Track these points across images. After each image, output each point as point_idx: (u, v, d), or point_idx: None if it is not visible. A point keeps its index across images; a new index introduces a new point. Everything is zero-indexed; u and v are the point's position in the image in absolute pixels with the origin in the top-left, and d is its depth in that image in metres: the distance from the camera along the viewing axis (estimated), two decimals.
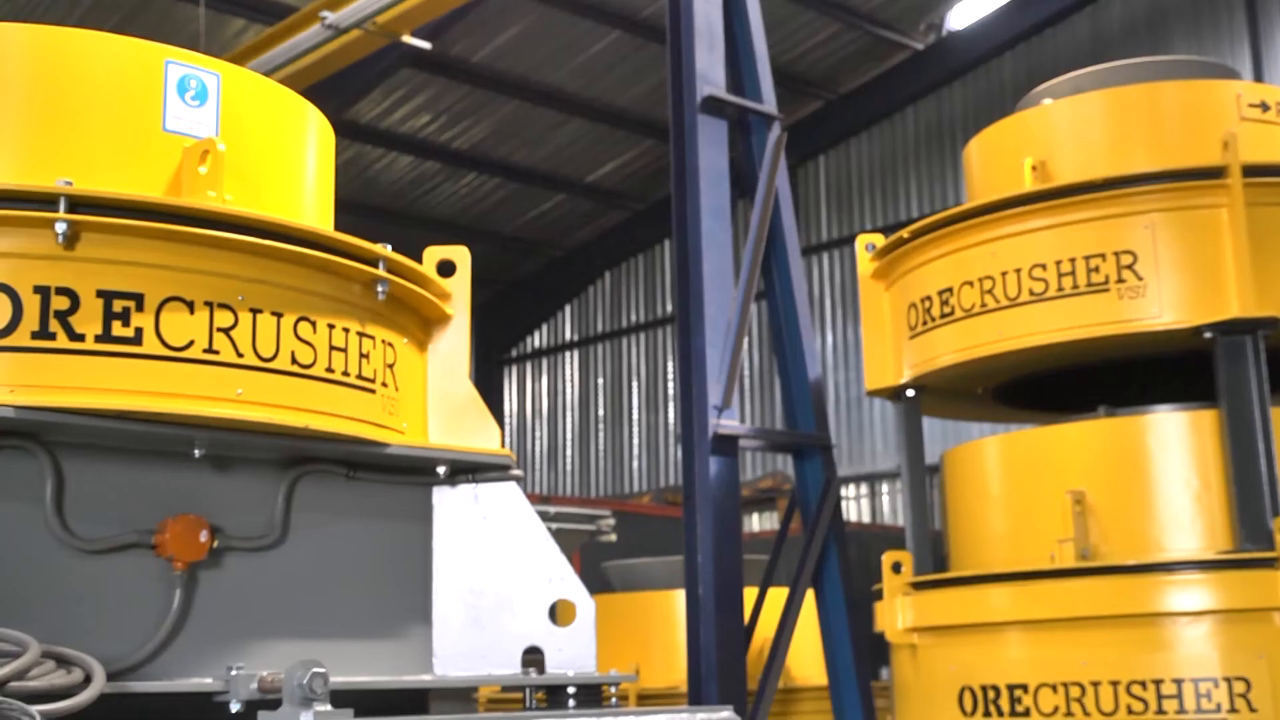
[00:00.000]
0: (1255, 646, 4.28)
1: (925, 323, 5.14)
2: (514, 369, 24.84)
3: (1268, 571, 4.27)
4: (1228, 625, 4.33)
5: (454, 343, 3.43)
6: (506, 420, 24.19)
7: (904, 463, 5.42)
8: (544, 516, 3.36)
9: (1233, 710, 4.23)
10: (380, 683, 3.00)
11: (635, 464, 22.67)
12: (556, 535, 3.44)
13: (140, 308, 2.75)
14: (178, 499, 2.88)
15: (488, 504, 3.28)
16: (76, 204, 2.71)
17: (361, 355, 3.09)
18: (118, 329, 2.73)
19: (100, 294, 2.73)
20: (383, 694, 2.97)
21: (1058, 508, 4.64)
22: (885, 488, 19.81)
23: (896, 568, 5.02)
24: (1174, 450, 4.64)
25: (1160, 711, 4.30)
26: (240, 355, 2.85)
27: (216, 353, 2.82)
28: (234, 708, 2.66)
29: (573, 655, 3.25)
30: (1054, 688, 4.48)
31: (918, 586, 4.99)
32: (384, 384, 3.16)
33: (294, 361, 2.94)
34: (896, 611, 5.02)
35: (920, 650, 4.97)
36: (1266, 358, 4.54)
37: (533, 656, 3.23)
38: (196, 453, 2.82)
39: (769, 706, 5.80)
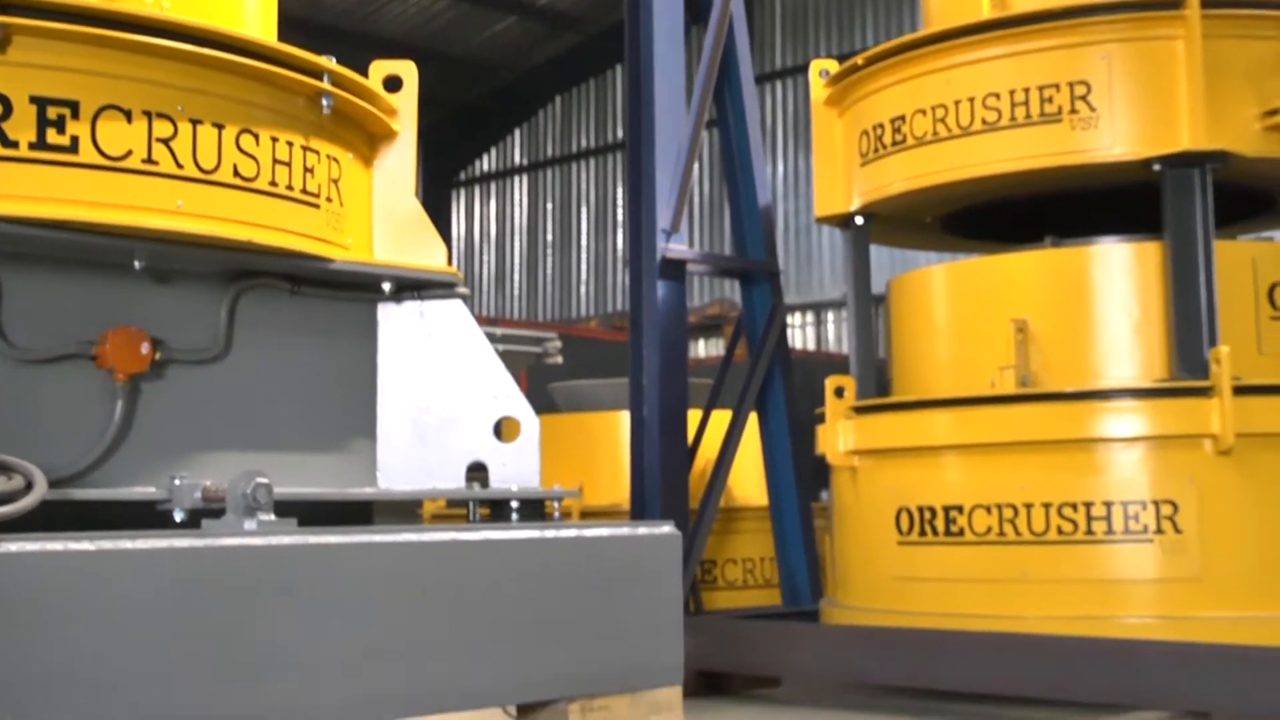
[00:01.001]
0: (1184, 472, 4.39)
1: (877, 150, 5.12)
2: (462, 193, 24.63)
3: (1200, 400, 4.36)
4: (1159, 451, 4.43)
5: (400, 159, 3.39)
6: (454, 244, 24.08)
7: (850, 289, 5.46)
8: (490, 338, 3.37)
9: (1159, 532, 4.36)
10: (324, 494, 3.03)
11: (582, 289, 22.69)
12: (503, 357, 3.45)
13: (76, 115, 2.69)
14: (120, 312, 2.86)
15: (433, 321, 3.28)
16: (8, 6, 2.63)
17: (306, 169, 3.05)
18: (53, 137, 2.67)
19: (34, 100, 2.66)
20: (326, 505, 3.00)
21: (1000, 336, 4.70)
22: (831, 316, 19.99)
23: (839, 392, 5.09)
24: (1117, 280, 4.70)
25: (1089, 533, 4.42)
26: (180, 166, 2.81)
27: (155, 163, 2.78)
28: (178, 516, 2.68)
29: (516, 471, 3.29)
30: (988, 509, 4.59)
31: (860, 411, 5.06)
32: (328, 199, 3.13)
33: (236, 174, 2.90)
34: (838, 435, 5.10)
35: (860, 473, 5.07)
36: (1213, 192, 4.57)
37: (477, 473, 3.26)
38: (137, 265, 2.80)
39: (710, 525, 5.92)
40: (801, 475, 6.19)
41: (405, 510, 3.31)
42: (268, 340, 3.08)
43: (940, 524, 4.71)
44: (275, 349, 3.09)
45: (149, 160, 2.76)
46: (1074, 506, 4.45)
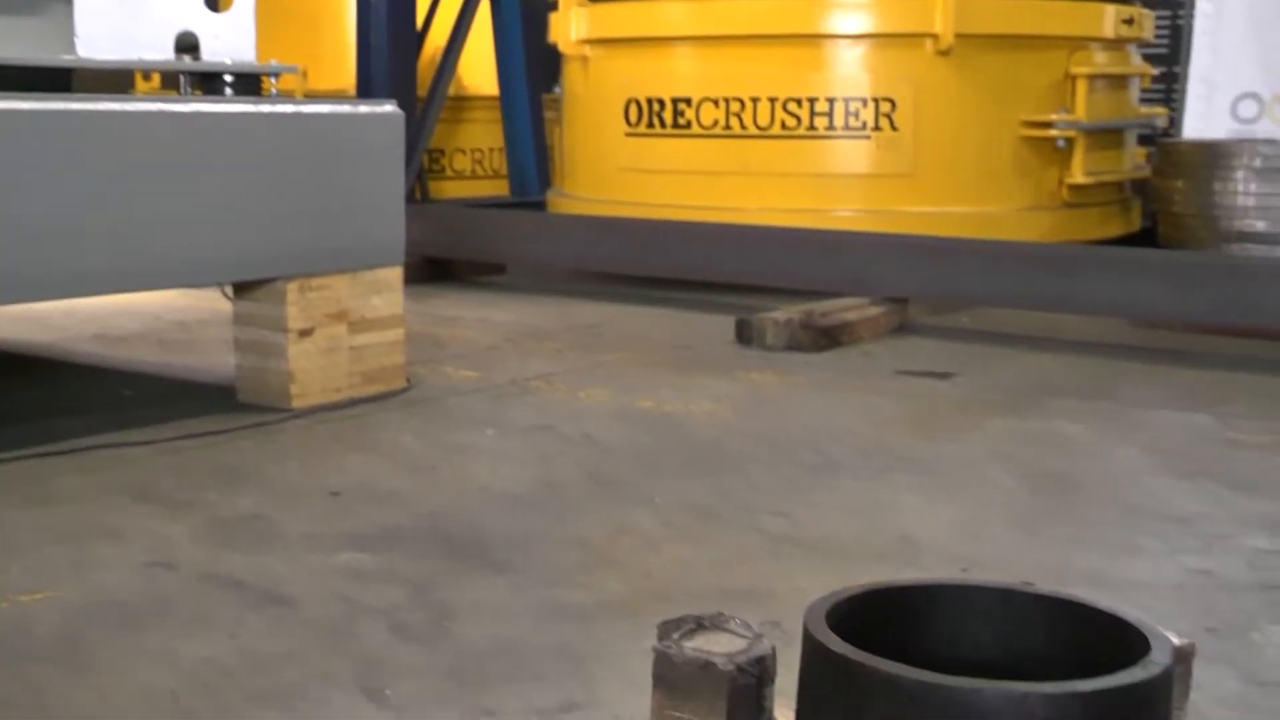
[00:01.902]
0: (904, 71, 4.49)
1: None
2: None
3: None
4: (882, 50, 4.51)
5: None
6: None
7: None
8: None
9: (876, 129, 4.49)
10: (17, 59, 2.81)
11: None
12: None
13: None
14: None
15: None
16: None
17: None
18: None
19: None
20: (21, 71, 2.80)
21: None
22: None
23: None
24: None
25: (811, 128, 4.52)
26: None
27: None
28: None
29: (230, 45, 3.11)
30: (716, 102, 4.62)
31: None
32: None
33: None
34: (570, 23, 5.00)
35: (591, 62, 5.01)
36: None
37: (188, 40, 3.07)
38: None
39: (438, 112, 5.82)
40: (532, 65, 6.10)
41: (112, 83, 3.11)
42: None
43: (668, 116, 4.73)
44: None
45: None
46: (799, 102, 4.52)
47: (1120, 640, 0.99)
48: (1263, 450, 2.75)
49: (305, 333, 2.88)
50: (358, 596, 1.85)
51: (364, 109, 3.01)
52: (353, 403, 2.97)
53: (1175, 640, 1.12)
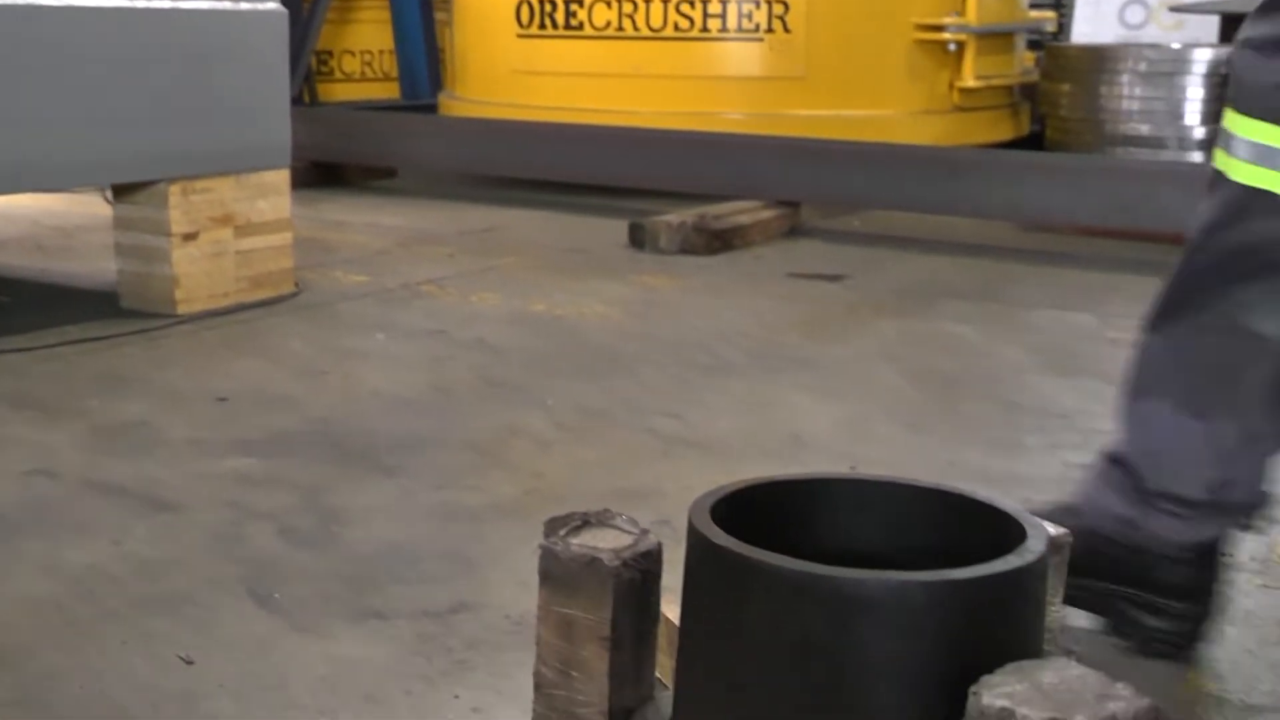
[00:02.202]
0: None
1: None
2: None
3: None
4: None
5: None
6: None
7: None
8: None
9: (769, 31, 4.47)
10: None
11: None
12: None
13: None
14: None
15: None
16: None
17: None
18: None
19: None
20: None
21: None
22: None
23: None
24: None
25: (704, 30, 4.49)
26: None
27: None
28: None
29: None
30: (608, 3, 4.57)
31: None
32: None
33: None
34: None
35: None
36: None
37: None
38: None
39: (324, 13, 5.69)
40: None
41: None
42: None
43: (560, 17, 4.67)
44: None
45: None
46: (691, 3, 4.48)
47: (1000, 531, 1.01)
48: None
49: (189, 237, 2.82)
50: (246, 502, 1.83)
51: (245, 6, 2.93)
52: (240, 308, 2.92)
53: (1051, 530, 1.15)
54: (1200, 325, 1.39)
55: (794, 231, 4.07)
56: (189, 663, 1.38)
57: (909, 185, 3.83)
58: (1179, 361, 1.42)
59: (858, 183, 3.90)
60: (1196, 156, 4.06)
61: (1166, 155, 4.14)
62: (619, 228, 3.89)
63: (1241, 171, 1.34)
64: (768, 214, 3.98)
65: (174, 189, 2.78)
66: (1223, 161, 1.37)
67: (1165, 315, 1.44)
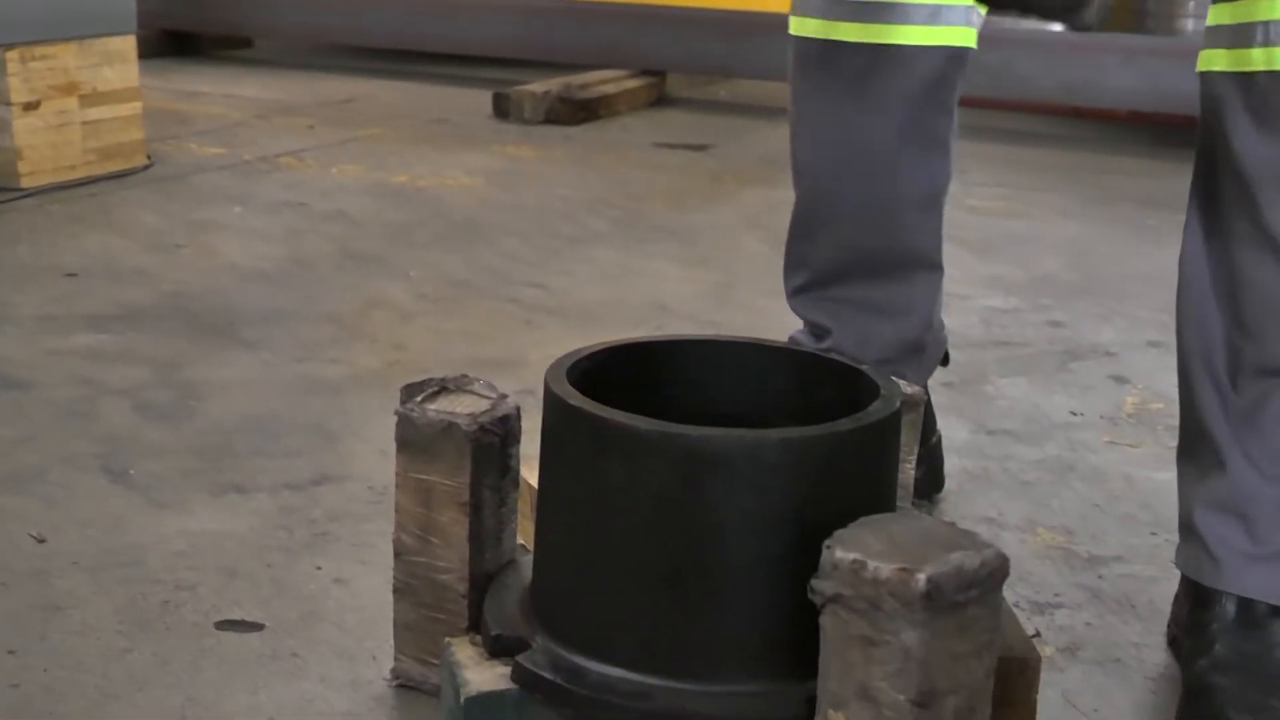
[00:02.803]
0: None
1: None
2: None
3: None
4: None
5: None
6: None
7: None
8: None
9: None
10: None
11: None
12: None
13: None
14: None
15: None
16: None
17: None
18: None
19: None
20: None
21: None
22: None
23: None
24: None
25: None
26: None
27: None
28: None
29: None
30: None
31: None
32: None
33: None
34: None
35: None
36: None
37: None
38: None
39: None
40: None
41: None
42: None
43: None
44: None
45: None
46: None
47: (856, 389, 1.02)
48: (999, 216, 2.87)
49: (31, 106, 2.71)
50: (98, 378, 1.78)
51: None
52: (90, 181, 2.82)
53: (907, 389, 1.17)
54: None
55: (660, 101, 4.04)
56: (41, 541, 1.35)
57: (775, 55, 3.80)
58: None
59: (722, 51, 3.87)
60: (1056, 26, 4.10)
61: (1026, 24, 4.16)
62: (483, 98, 3.82)
63: None
64: (633, 83, 3.94)
65: (12, 55, 2.66)
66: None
67: None
